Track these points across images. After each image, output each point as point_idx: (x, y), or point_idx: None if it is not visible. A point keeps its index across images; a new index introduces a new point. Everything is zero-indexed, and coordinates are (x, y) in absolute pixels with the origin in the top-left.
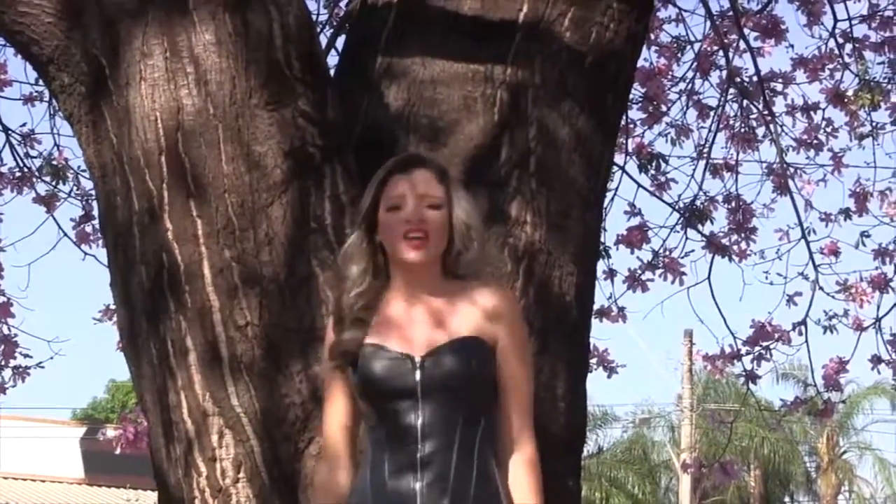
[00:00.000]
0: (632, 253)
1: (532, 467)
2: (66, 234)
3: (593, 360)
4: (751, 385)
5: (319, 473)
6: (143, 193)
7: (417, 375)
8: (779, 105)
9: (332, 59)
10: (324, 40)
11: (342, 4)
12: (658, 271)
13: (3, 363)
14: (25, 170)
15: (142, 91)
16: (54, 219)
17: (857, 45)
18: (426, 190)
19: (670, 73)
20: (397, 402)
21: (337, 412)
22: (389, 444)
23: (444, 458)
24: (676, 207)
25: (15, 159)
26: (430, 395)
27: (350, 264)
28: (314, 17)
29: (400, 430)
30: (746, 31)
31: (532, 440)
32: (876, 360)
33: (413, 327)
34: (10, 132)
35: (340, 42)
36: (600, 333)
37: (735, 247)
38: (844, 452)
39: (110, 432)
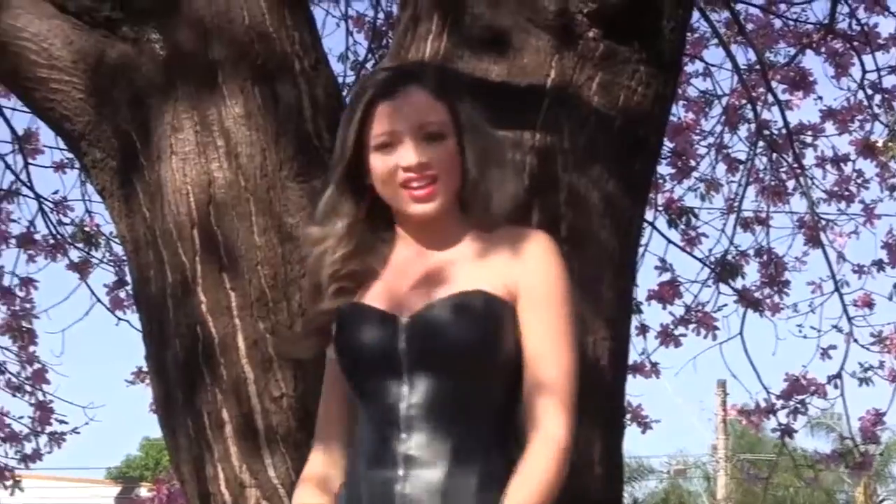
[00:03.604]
0: (664, 308)
1: (546, 450)
2: (99, 300)
3: (627, 416)
4: (786, 438)
5: (305, 477)
6: (176, 267)
7: (401, 341)
8: (809, 157)
9: None
10: None
11: (369, 66)
12: (691, 326)
13: (38, 429)
14: (58, 237)
15: (173, 165)
16: (87, 285)
17: (886, 96)
18: (423, 116)
19: (699, 127)
20: (380, 378)
21: (328, 400)
22: (371, 434)
23: (436, 456)
24: (707, 262)
25: (48, 227)
26: (419, 369)
27: (332, 219)
28: (341, 79)
29: (382, 416)
30: (774, 83)
31: (561, 419)
32: None
33: (412, 283)
34: (42, 200)
35: None
36: (633, 389)
37: (767, 301)
38: (883, 500)
39: (144, 492)
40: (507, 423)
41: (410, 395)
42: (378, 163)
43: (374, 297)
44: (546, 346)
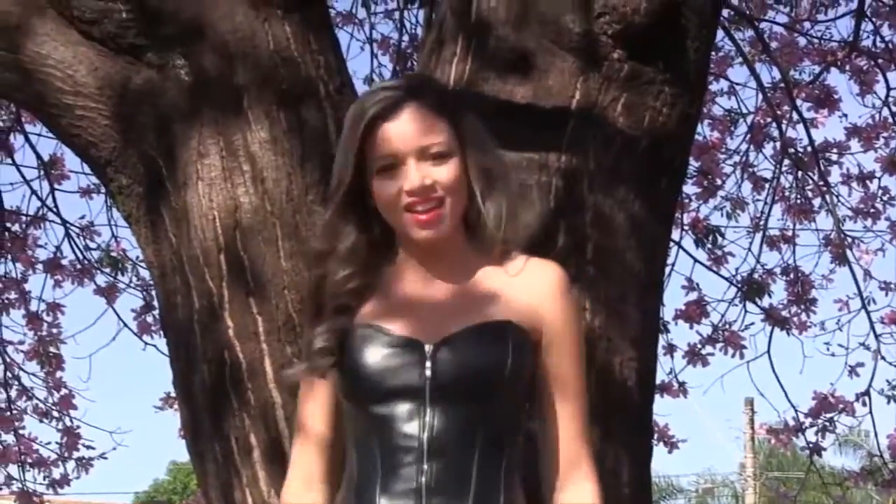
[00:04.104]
0: (691, 328)
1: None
2: (126, 325)
3: (654, 437)
4: (815, 456)
5: (288, 493)
6: (203, 292)
7: (427, 369)
8: (834, 175)
9: None
10: None
11: None
12: (718, 345)
13: (66, 455)
14: (85, 262)
15: (199, 190)
16: (114, 310)
17: None
18: (425, 138)
19: (724, 146)
20: (396, 403)
21: (312, 425)
22: (383, 462)
23: (458, 486)
24: (734, 281)
25: (74, 252)
26: (441, 398)
27: (333, 242)
28: None
29: (398, 444)
30: (799, 101)
31: (592, 469)
32: None
33: (425, 309)
34: (69, 225)
35: None
36: (661, 408)
37: (795, 319)
38: None
39: None
40: (518, 451)
41: (434, 423)
42: (381, 187)
43: (386, 319)
44: (571, 382)
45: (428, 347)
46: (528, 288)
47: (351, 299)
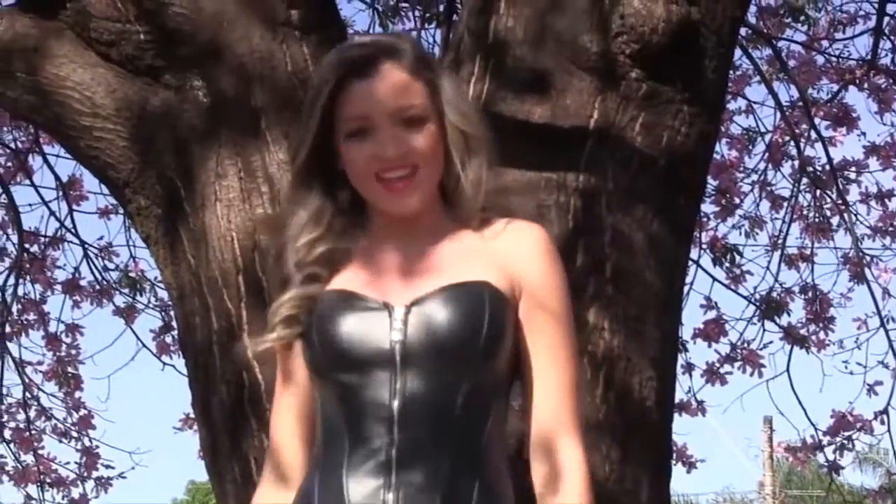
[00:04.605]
0: (709, 346)
1: (580, 486)
2: (144, 346)
3: (673, 457)
4: (833, 474)
5: (259, 494)
6: (222, 313)
7: (397, 332)
8: (852, 193)
9: None
10: None
11: None
12: (736, 364)
13: (85, 475)
14: (104, 283)
15: (217, 212)
16: (133, 330)
17: None
18: (400, 99)
19: (742, 164)
20: (366, 371)
21: (285, 409)
22: (351, 434)
23: (432, 460)
24: (752, 300)
25: (93, 272)
26: (413, 364)
27: (295, 210)
28: None
29: (367, 413)
30: (817, 120)
31: (579, 441)
32: None
33: (398, 274)
34: (87, 246)
35: None
36: (679, 427)
37: (813, 337)
38: None
39: None
40: (500, 425)
41: (406, 389)
42: (351, 152)
43: (357, 284)
44: (552, 346)
45: (399, 310)
46: (507, 249)
47: (320, 268)
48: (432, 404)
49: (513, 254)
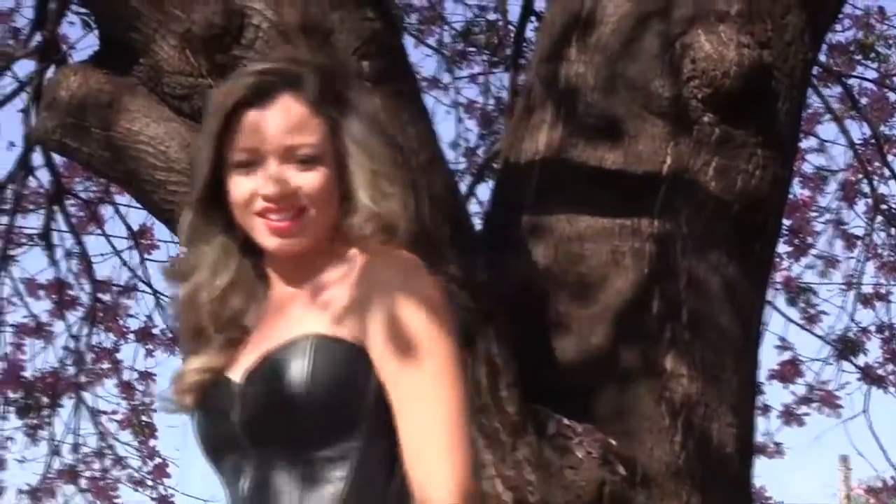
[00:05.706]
0: (785, 387)
1: None
2: None
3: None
4: None
5: None
6: None
7: (236, 412)
8: None
9: (472, 208)
10: (463, 188)
11: (480, 153)
12: (813, 405)
13: None
14: (176, 331)
15: None
16: None
17: None
18: (294, 137)
19: (815, 203)
20: (223, 453)
21: None
22: None
23: None
24: (828, 340)
25: (165, 321)
26: (254, 440)
27: (199, 247)
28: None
29: (232, 501)
30: (890, 157)
31: (441, 478)
32: None
33: (258, 333)
34: (159, 294)
35: (480, 190)
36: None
37: (891, 377)
38: None
39: None
40: (363, 480)
41: (251, 472)
42: (234, 184)
43: (235, 355)
44: (407, 396)
45: (236, 383)
46: (357, 293)
47: (238, 331)
48: (273, 482)
49: (365, 294)
